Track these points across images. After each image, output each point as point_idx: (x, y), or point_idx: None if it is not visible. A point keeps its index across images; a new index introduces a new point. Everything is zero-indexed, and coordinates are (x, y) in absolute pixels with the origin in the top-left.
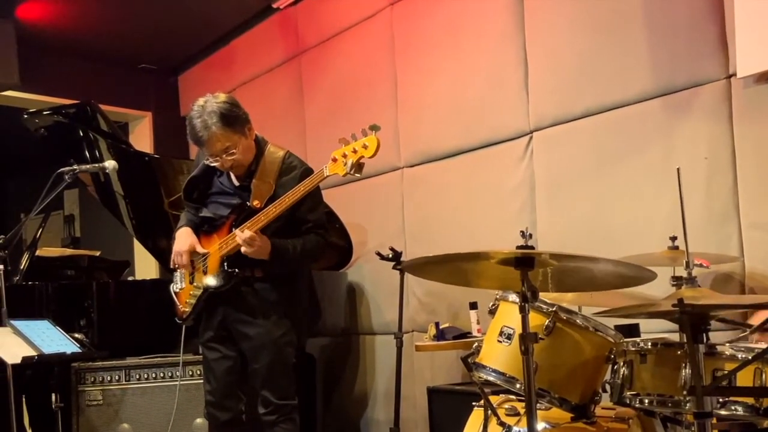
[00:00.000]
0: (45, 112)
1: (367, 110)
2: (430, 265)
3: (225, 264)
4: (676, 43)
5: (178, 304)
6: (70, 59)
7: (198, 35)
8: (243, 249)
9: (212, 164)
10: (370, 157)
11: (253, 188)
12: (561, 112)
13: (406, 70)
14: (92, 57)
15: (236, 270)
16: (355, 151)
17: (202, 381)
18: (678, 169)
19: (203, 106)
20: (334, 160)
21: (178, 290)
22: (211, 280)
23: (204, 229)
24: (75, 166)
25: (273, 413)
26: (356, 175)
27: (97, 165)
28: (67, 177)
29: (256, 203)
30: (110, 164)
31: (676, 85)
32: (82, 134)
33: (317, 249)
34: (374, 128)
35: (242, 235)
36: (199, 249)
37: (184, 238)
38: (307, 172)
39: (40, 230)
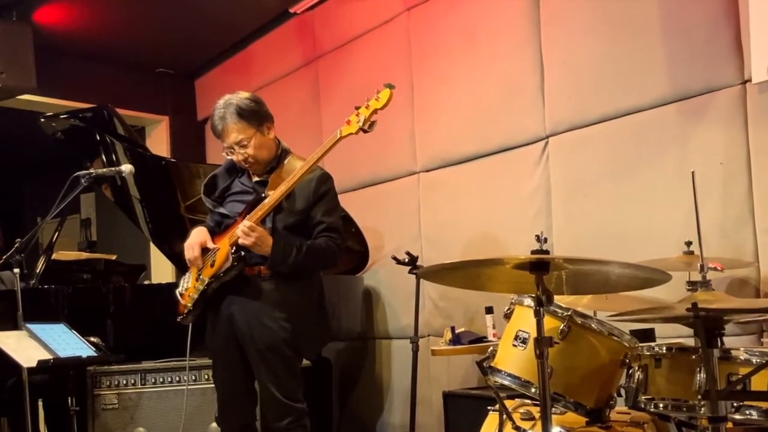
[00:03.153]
0: (62, 116)
1: (384, 115)
2: (445, 271)
3: (232, 250)
4: (692, 48)
5: (181, 301)
6: (88, 63)
7: (215, 39)
8: (241, 240)
9: (228, 156)
10: (382, 108)
11: (270, 180)
12: (577, 118)
13: (423, 75)
14: (109, 61)
15: (242, 253)
16: (368, 107)
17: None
18: (693, 173)
19: (227, 99)
20: (348, 122)
21: (183, 291)
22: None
23: (220, 228)
24: (92, 170)
25: (281, 418)
26: (369, 130)
27: (113, 169)
28: (83, 181)
29: (270, 193)
30: (127, 168)
31: (691, 91)
32: (98, 138)
33: (326, 253)
34: (389, 85)
35: (242, 225)
36: (210, 245)
37: (196, 234)
38: (324, 176)
39: (57, 234)
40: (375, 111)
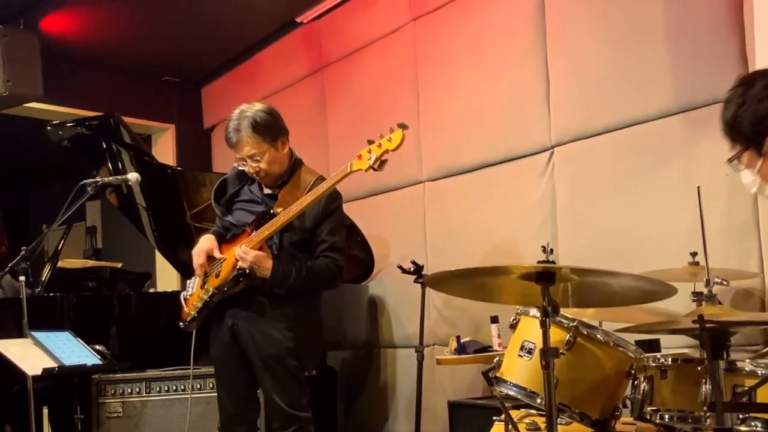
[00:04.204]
0: (68, 124)
1: (390, 124)
2: (451, 280)
3: (237, 266)
4: (697, 59)
5: (184, 307)
6: (94, 71)
7: (222, 48)
8: (239, 264)
9: (240, 167)
10: (394, 150)
11: (280, 196)
12: (582, 128)
13: (429, 84)
14: (116, 69)
15: (246, 270)
16: (380, 146)
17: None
18: (698, 188)
19: (243, 110)
20: (360, 156)
21: (188, 296)
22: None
23: (227, 237)
24: (98, 178)
25: (286, 427)
26: (379, 170)
27: (120, 177)
28: (89, 189)
29: (279, 210)
30: (133, 176)
31: (696, 102)
32: (105, 146)
33: (326, 276)
34: (402, 126)
35: (237, 249)
36: (217, 254)
37: (204, 241)
38: (333, 194)
39: (62, 241)
40: (387, 151)
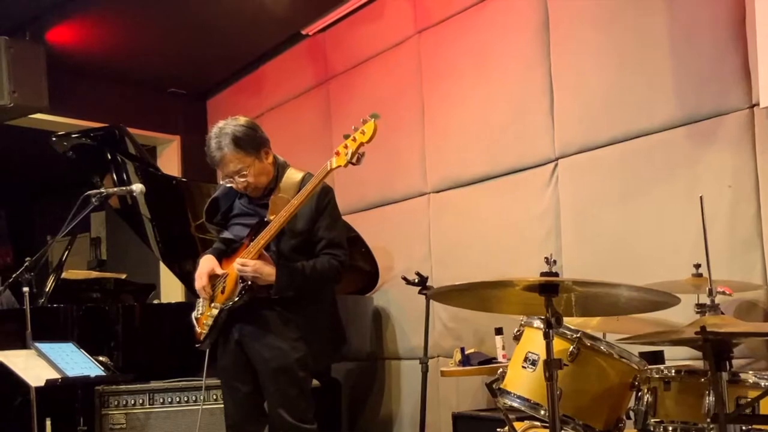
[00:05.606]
0: (73, 135)
1: (394, 136)
2: (455, 293)
3: (240, 280)
4: (700, 73)
5: (196, 328)
6: (99, 83)
7: (227, 60)
8: (242, 276)
9: (228, 184)
10: (368, 142)
11: (270, 204)
12: (586, 140)
13: (433, 97)
14: (121, 81)
15: (248, 283)
16: (354, 140)
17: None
18: (701, 198)
19: (221, 127)
20: (338, 153)
21: (198, 315)
22: (227, 298)
23: (227, 252)
24: (102, 189)
25: None
26: (357, 164)
27: (124, 188)
28: (94, 200)
29: (272, 217)
30: (138, 187)
31: (700, 114)
32: (110, 157)
33: (329, 271)
34: (374, 116)
35: (235, 264)
36: (218, 270)
37: (204, 263)
38: (324, 190)
39: (67, 252)
40: (362, 144)
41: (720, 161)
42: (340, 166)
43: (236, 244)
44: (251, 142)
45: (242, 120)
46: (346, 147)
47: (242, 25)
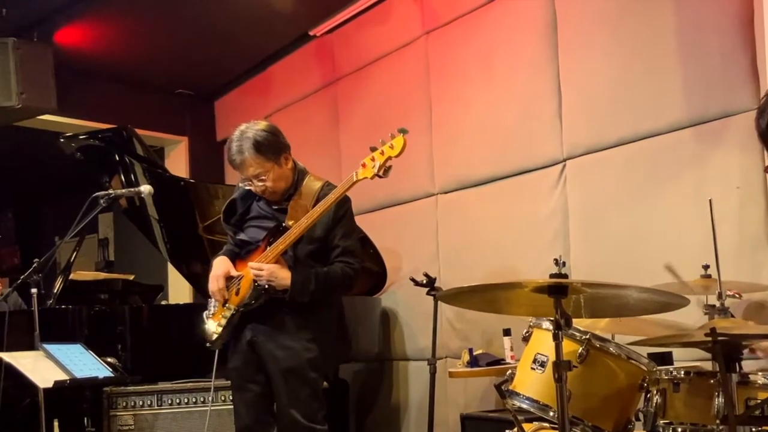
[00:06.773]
0: (81, 136)
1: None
2: (464, 294)
3: (255, 282)
4: (708, 73)
5: (207, 326)
6: (107, 84)
7: (235, 61)
8: (258, 280)
9: (246, 187)
10: (396, 156)
11: (289, 209)
12: (594, 141)
13: (441, 98)
14: (129, 82)
15: (266, 285)
16: (382, 153)
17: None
18: (710, 201)
19: (243, 131)
20: (364, 165)
21: (210, 315)
22: (242, 300)
23: (242, 254)
24: (110, 191)
25: None
26: (384, 176)
27: (132, 189)
28: (102, 201)
29: (290, 222)
30: (146, 189)
31: (708, 115)
32: (117, 158)
33: (342, 279)
34: (402, 131)
35: (250, 267)
36: (233, 272)
37: (218, 264)
38: (342, 200)
39: (75, 254)
40: (390, 158)
41: (728, 162)
42: (366, 177)
43: (251, 246)
44: (272, 147)
45: (263, 124)
46: (373, 159)
47: (250, 27)
